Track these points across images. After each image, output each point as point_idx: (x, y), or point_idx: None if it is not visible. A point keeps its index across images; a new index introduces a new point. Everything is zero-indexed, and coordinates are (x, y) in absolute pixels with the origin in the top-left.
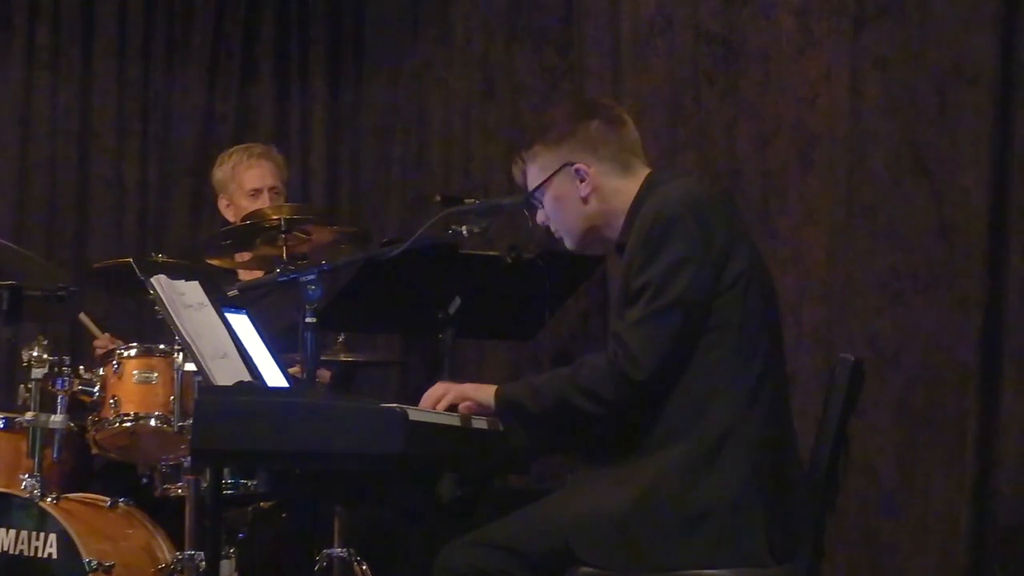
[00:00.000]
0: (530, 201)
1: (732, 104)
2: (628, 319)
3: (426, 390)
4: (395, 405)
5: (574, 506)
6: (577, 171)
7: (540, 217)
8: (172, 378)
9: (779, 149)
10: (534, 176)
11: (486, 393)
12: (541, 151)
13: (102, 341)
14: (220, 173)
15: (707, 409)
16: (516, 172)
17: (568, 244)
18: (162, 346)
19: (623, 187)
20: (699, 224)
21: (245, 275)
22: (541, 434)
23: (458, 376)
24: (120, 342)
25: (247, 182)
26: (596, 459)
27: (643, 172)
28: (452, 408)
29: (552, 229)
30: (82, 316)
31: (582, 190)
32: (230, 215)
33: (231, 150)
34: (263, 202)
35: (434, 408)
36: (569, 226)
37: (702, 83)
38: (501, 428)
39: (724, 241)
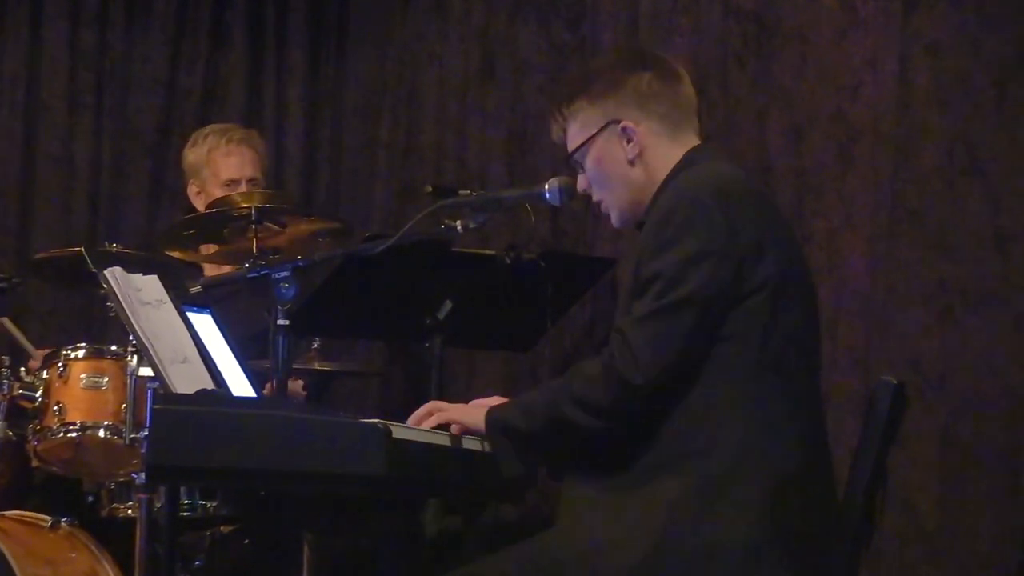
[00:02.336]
0: (571, 163)
1: (764, 91)
2: (634, 313)
3: (410, 404)
4: (376, 420)
5: (577, 545)
6: (624, 130)
7: (582, 183)
8: (124, 383)
9: (816, 144)
10: (575, 135)
11: (476, 417)
12: (584, 106)
13: (35, 363)
14: (192, 155)
15: (719, 431)
16: (555, 131)
17: (614, 219)
18: (114, 347)
19: (669, 154)
20: (725, 215)
21: (210, 270)
22: (538, 457)
23: (446, 391)
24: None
25: (223, 171)
26: (592, 478)
27: (691, 142)
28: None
29: (595, 199)
30: (5, 322)
31: (629, 151)
32: (200, 203)
33: (206, 130)
34: None
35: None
36: (614, 194)
37: (731, 67)
38: (487, 451)
39: (752, 239)
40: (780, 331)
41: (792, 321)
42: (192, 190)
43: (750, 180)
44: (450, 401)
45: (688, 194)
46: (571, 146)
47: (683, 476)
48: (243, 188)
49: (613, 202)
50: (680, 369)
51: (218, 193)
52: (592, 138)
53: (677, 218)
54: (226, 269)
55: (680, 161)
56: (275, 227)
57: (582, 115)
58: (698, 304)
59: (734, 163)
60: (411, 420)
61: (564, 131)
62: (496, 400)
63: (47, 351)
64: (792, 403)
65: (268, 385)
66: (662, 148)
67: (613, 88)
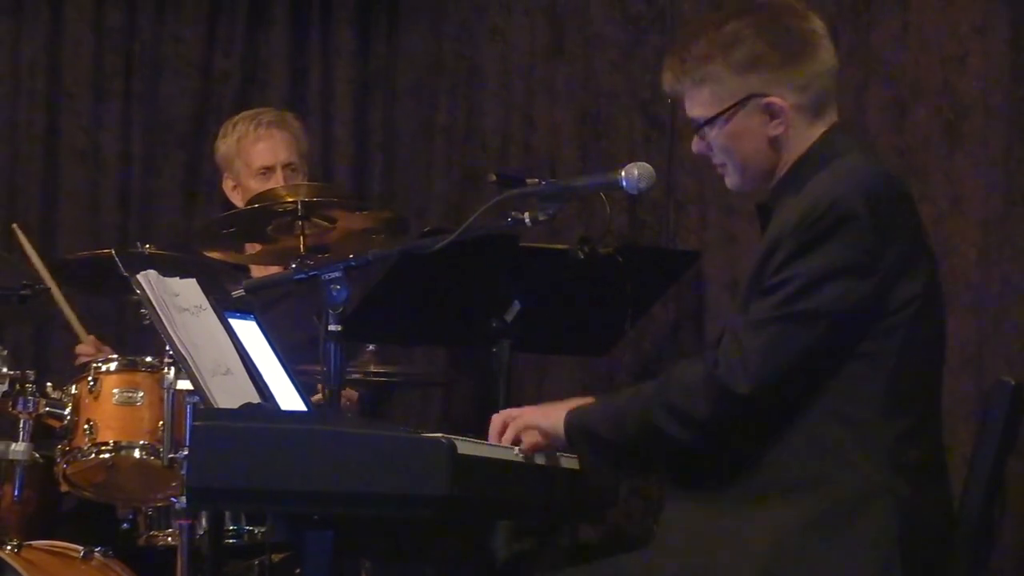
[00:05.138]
0: (691, 127)
1: (862, 63)
2: (753, 315)
3: (475, 415)
4: (439, 435)
5: (670, 572)
6: (769, 106)
7: (699, 147)
8: (161, 399)
9: (920, 120)
10: (705, 101)
11: (555, 419)
12: (721, 73)
13: (87, 347)
14: (223, 147)
15: (844, 458)
16: (667, 78)
17: (733, 184)
18: (149, 359)
19: (810, 131)
20: (876, 228)
21: (257, 271)
22: (622, 467)
23: (515, 400)
24: (108, 350)
25: (255, 159)
26: (696, 498)
27: (830, 117)
28: (517, 441)
29: (715, 162)
30: (66, 309)
31: (773, 129)
32: (237, 199)
33: (236, 118)
34: (276, 182)
35: (498, 443)
36: (744, 164)
37: None
38: (563, 465)
39: (901, 253)
40: (917, 353)
41: (927, 340)
42: (227, 185)
43: (897, 178)
44: None
45: (841, 198)
46: (697, 111)
47: (799, 505)
48: (279, 175)
49: (739, 170)
50: (797, 385)
51: (254, 184)
52: (730, 111)
53: (824, 222)
54: (272, 270)
55: (820, 143)
56: (324, 223)
57: (715, 82)
58: (827, 320)
59: (871, 153)
60: (491, 437)
61: (683, 87)
62: (575, 401)
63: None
64: (916, 429)
65: (318, 388)
66: (805, 124)
67: (758, 60)
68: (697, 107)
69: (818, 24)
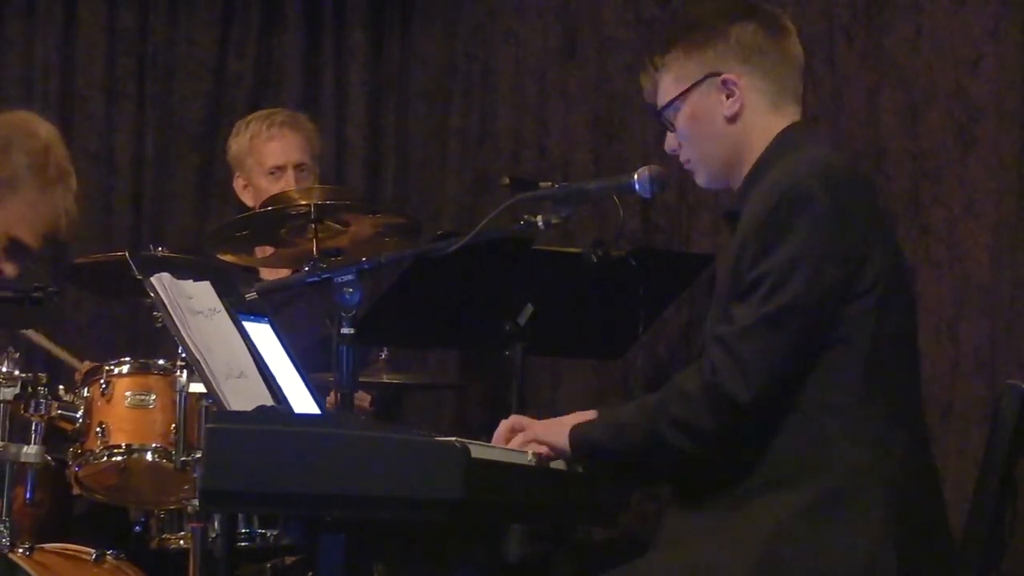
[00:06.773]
0: (660, 121)
1: (875, 67)
2: (738, 322)
3: (488, 418)
4: (453, 439)
5: (675, 572)
6: (725, 83)
7: (670, 143)
8: (173, 401)
9: (933, 124)
10: (668, 88)
11: (560, 434)
12: (680, 57)
13: (82, 373)
14: (236, 146)
15: (831, 444)
16: (644, 81)
17: (702, 178)
18: (161, 361)
19: (768, 122)
20: (834, 208)
21: (267, 274)
22: (627, 478)
23: (529, 404)
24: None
25: (267, 158)
26: (693, 499)
27: (791, 113)
28: None
29: (682, 159)
30: (31, 334)
31: (728, 108)
32: (248, 198)
33: (249, 117)
34: (287, 182)
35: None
36: (706, 153)
37: (838, 40)
38: (580, 470)
39: (863, 233)
40: (888, 333)
41: (898, 321)
42: (239, 184)
43: (856, 165)
44: (534, 415)
45: (794, 186)
46: (662, 100)
47: (793, 496)
48: (290, 175)
49: (703, 161)
50: (790, 381)
51: (264, 183)
52: (687, 92)
53: (783, 212)
54: (284, 273)
55: (779, 139)
56: (337, 226)
57: (677, 66)
58: (805, 309)
59: (834, 147)
60: (496, 439)
61: (656, 85)
62: (582, 416)
63: (92, 365)
64: (898, 410)
65: (332, 394)
66: (762, 111)
67: (714, 37)
68: (662, 96)
69: (788, 23)
